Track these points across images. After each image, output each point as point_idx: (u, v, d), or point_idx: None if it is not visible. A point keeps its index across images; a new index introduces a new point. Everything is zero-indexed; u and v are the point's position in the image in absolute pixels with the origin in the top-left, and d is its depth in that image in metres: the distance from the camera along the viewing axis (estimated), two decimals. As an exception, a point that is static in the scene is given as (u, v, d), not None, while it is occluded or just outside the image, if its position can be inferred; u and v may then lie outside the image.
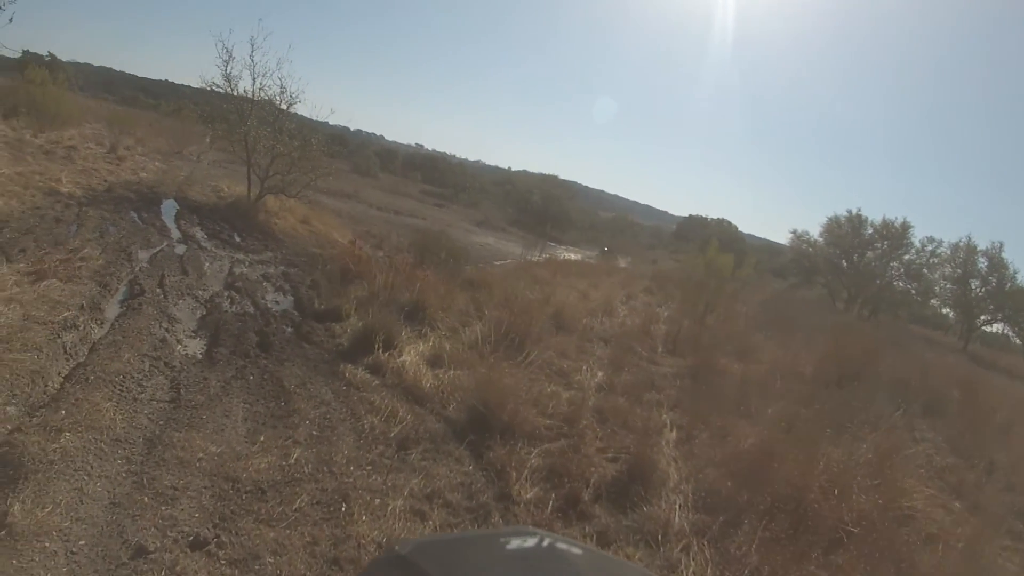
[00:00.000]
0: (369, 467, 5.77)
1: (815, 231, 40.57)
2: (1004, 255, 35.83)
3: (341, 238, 17.26)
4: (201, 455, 5.13)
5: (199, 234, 14.17)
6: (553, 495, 5.94)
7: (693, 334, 13.67)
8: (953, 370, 18.45)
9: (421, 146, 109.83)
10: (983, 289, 36.47)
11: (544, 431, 7.33)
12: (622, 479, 6.45)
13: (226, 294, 10.14)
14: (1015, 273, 36.01)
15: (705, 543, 5.48)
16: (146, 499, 4.47)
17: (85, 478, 4.48)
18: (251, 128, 17.85)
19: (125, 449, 5.00)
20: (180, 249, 12.26)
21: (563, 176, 56.70)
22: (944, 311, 41.93)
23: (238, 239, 14.66)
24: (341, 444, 6.05)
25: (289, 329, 9.23)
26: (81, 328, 7.11)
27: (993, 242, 36.93)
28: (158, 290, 9.14)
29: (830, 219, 39.66)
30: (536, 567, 0.74)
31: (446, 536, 1.01)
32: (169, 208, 16.34)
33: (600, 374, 9.84)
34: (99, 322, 7.56)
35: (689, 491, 6.40)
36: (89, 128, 26.30)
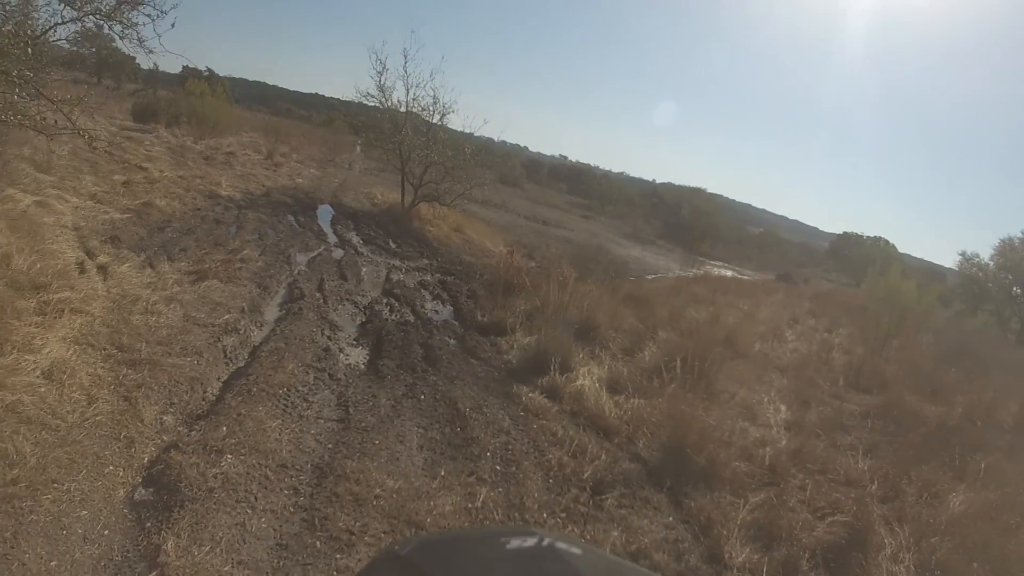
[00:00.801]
0: (563, 514, 4.92)
1: (985, 253, 36.59)
2: None
3: (493, 247, 16.77)
4: (378, 490, 4.34)
5: (355, 239, 13.97)
6: (767, 559, 5.01)
7: (875, 367, 12.24)
8: None
9: (565, 157, 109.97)
10: None
11: (745, 478, 6.30)
12: (837, 543, 5.44)
13: (385, 301, 9.65)
14: None
15: None
16: (318, 543, 3.72)
17: (248, 511, 3.80)
18: (405, 137, 17.82)
19: (293, 478, 4.29)
20: (337, 254, 11.99)
21: (709, 189, 54.83)
22: None
23: (393, 245, 14.36)
24: (530, 484, 5.18)
25: (452, 342, 8.59)
26: (242, 331, 6.66)
27: None
28: (317, 294, 8.72)
29: (1003, 241, 35.25)
30: (536, 567, 0.72)
31: (446, 535, 0.89)
32: (325, 213, 16.36)
33: (784, 408, 8.68)
34: (259, 324, 7.14)
35: (910, 561, 5.32)
36: (246, 136, 27.42)
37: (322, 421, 5.23)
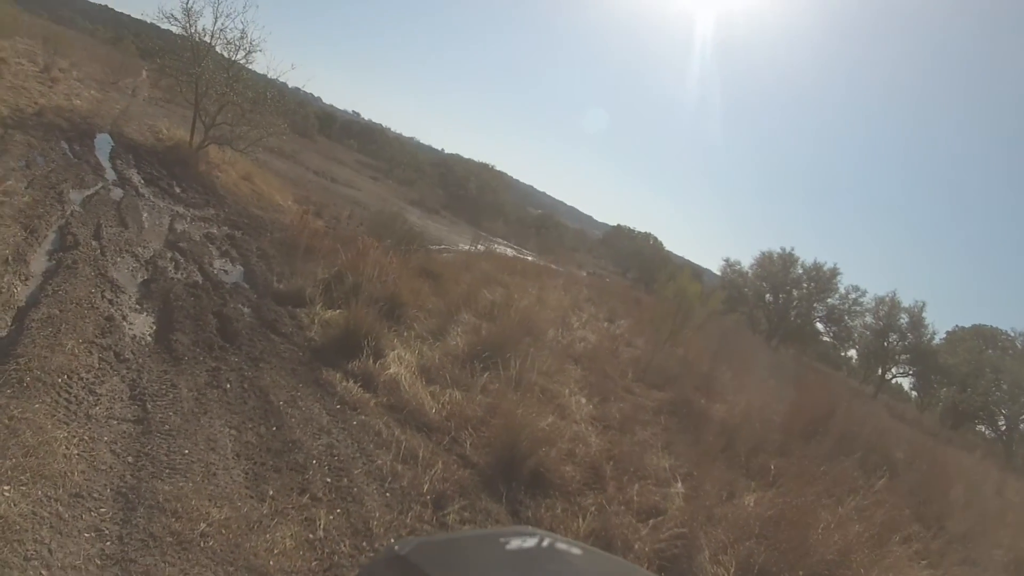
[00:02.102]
0: (411, 536, 4.25)
1: (746, 262, 41.72)
2: (925, 314, 37.77)
3: (283, 201, 15.43)
4: (203, 526, 3.35)
5: (136, 178, 11.99)
6: None
7: (661, 363, 12.82)
8: (884, 423, 18.70)
9: (358, 114, 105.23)
10: (900, 343, 38.13)
11: (571, 482, 6.14)
12: (666, 549, 5.43)
13: (169, 255, 8.27)
14: (933, 333, 38.14)
15: None
16: None
17: (44, 573, 2.71)
18: (205, 70, 15.84)
19: (92, 514, 3.18)
20: (116, 194, 10.13)
21: (497, 167, 55.63)
22: (849, 355, 43.82)
23: (178, 189, 12.55)
24: (368, 502, 4.48)
25: (248, 311, 7.57)
26: (4, 289, 5.18)
27: (917, 301, 39.10)
28: (94, 243, 7.17)
29: (763, 253, 41.00)
30: (536, 567, 0.72)
31: (446, 536, 1.04)
32: (103, 144, 13.96)
33: (585, 401, 8.71)
34: (24, 278, 5.66)
35: (732, 564, 5.48)
36: (21, 44, 22.84)
37: (116, 423, 4.05)
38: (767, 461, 8.61)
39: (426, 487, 4.97)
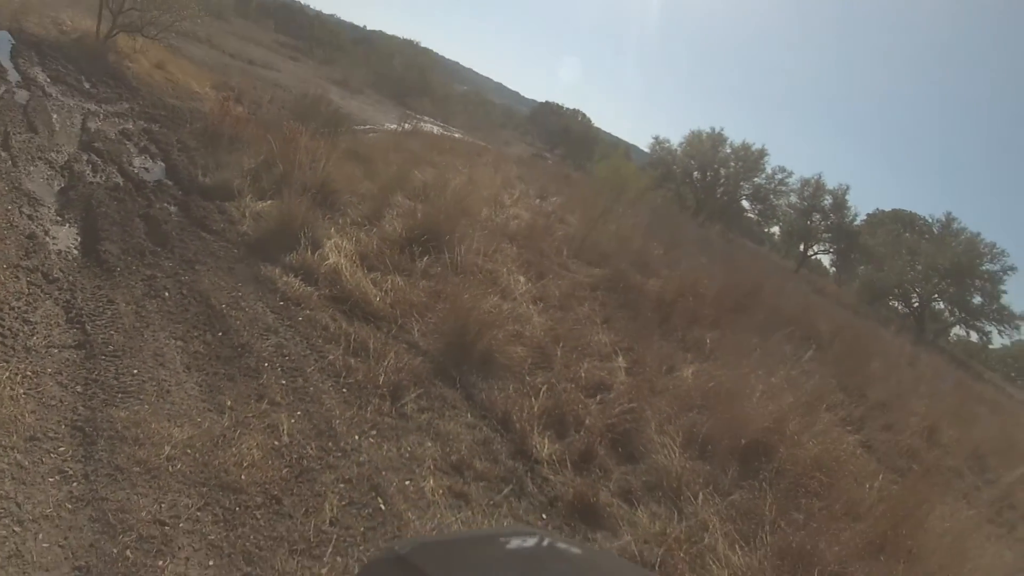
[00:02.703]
0: (374, 432, 4.42)
1: (675, 140, 42.06)
2: (847, 197, 39.54)
3: (200, 88, 14.51)
4: (167, 449, 3.31)
5: (41, 77, 10.98)
6: (567, 448, 5.11)
7: (595, 240, 12.94)
8: (808, 298, 19.71)
9: None
10: (823, 223, 40.01)
11: (519, 361, 6.30)
12: (617, 423, 5.63)
13: (85, 157, 7.76)
14: (855, 215, 40.22)
15: (715, 495, 5.13)
16: (129, 553, 2.72)
17: (16, 530, 2.63)
18: None
19: (52, 455, 3.09)
20: (21, 96, 9.26)
21: (422, 43, 53.18)
22: (771, 232, 45.48)
23: (87, 85, 11.59)
24: (326, 400, 4.54)
25: (175, 210, 7.29)
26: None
27: (841, 184, 40.50)
28: (3, 154, 6.64)
29: (692, 132, 41.27)
30: (536, 567, 0.72)
31: (446, 536, 1.12)
32: (2, 42, 12.62)
33: (523, 280, 8.80)
34: (-71, 200, 5.22)
35: (677, 434, 5.76)
36: None
37: (57, 351, 3.88)
38: (702, 335, 8.98)
39: (381, 379, 5.02)
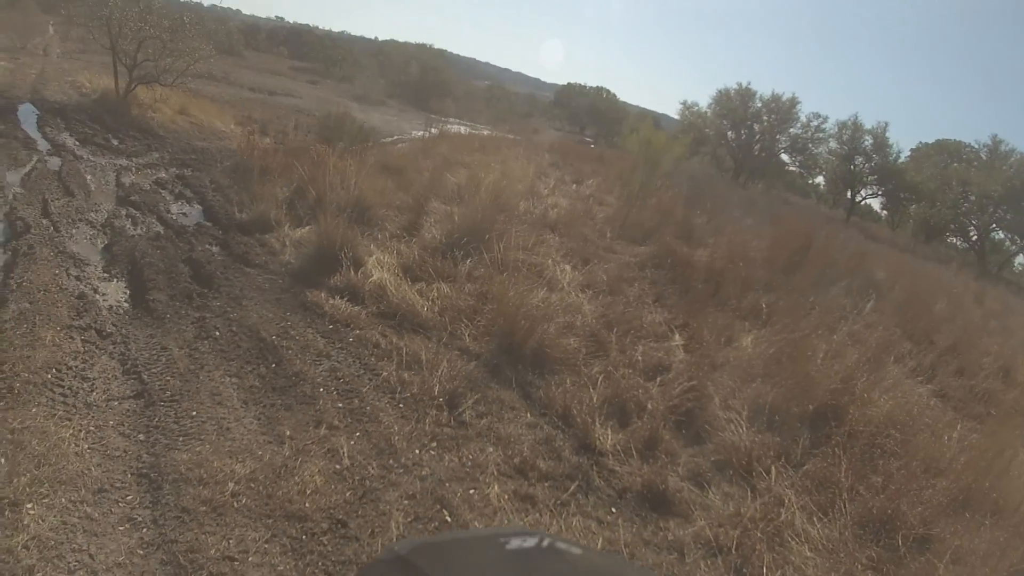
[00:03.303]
0: (434, 444, 4.40)
1: (703, 103, 41.26)
2: (888, 135, 37.92)
3: (225, 127, 14.79)
4: (231, 485, 3.38)
5: (70, 141, 11.22)
6: (632, 437, 5.02)
7: (636, 218, 12.78)
8: (861, 246, 19.00)
9: (282, 18, 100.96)
10: (867, 165, 38.66)
11: (573, 353, 6.22)
12: (679, 405, 5.53)
13: (123, 212, 7.94)
14: (898, 153, 38.68)
15: (788, 467, 5.02)
16: None
17: None
18: (114, 9, 14.56)
19: (121, 504, 3.18)
20: (54, 163, 9.47)
21: (435, 45, 53.64)
22: (816, 183, 44.13)
23: (115, 142, 11.84)
24: (384, 417, 4.54)
25: (217, 249, 7.42)
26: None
27: (879, 122, 40.15)
28: (45, 222, 6.79)
29: (720, 91, 40.47)
30: (536, 567, 0.71)
31: (445, 536, 0.85)
32: (28, 114, 12.88)
33: (569, 269, 8.72)
34: (-17, 281, 5.37)
35: (742, 408, 5.64)
36: None
37: (117, 403, 3.99)
38: (757, 300, 8.75)
39: (436, 389, 5.03)
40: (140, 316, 5.35)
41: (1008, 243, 34.91)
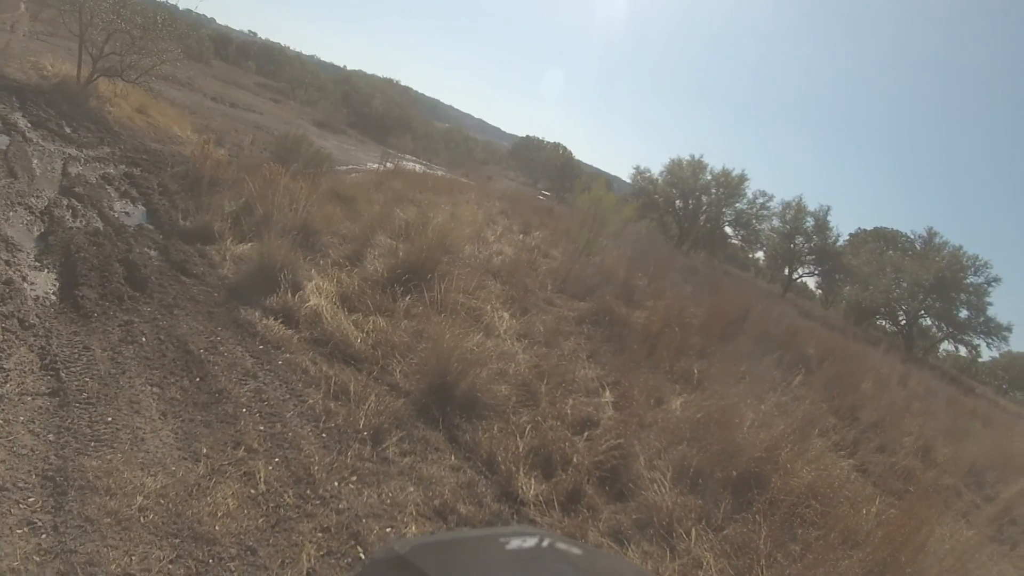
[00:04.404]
0: (354, 478, 4.32)
1: (656, 169, 42.33)
2: (829, 218, 39.63)
3: (181, 132, 14.52)
4: (140, 499, 3.24)
5: (22, 122, 10.91)
6: (555, 488, 5.04)
7: (579, 273, 12.95)
8: (795, 321, 19.54)
9: (255, 34, 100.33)
10: (806, 245, 40.16)
11: (503, 400, 6.21)
12: (604, 461, 5.55)
13: (65, 202, 7.69)
14: (838, 236, 40.35)
15: (708, 530, 5.06)
16: None
17: None
18: None
19: (21, 506, 3.01)
20: (2, 142, 9.20)
21: (402, 82, 53.98)
22: (756, 257, 45.65)
23: (68, 130, 11.52)
24: (305, 445, 4.45)
25: (155, 254, 7.24)
26: None
27: (822, 204, 41.78)
28: (-18, 200, 6.61)
29: (673, 160, 41.46)
30: (536, 567, 0.69)
31: (445, 535, 0.79)
32: None
33: (507, 316, 8.76)
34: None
35: (667, 468, 5.71)
36: None
37: (30, 399, 3.81)
38: (690, 365, 8.87)
39: (362, 422, 4.96)
40: (66, 311, 5.17)
41: (935, 330, 36.31)
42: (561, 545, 0.72)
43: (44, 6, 17.13)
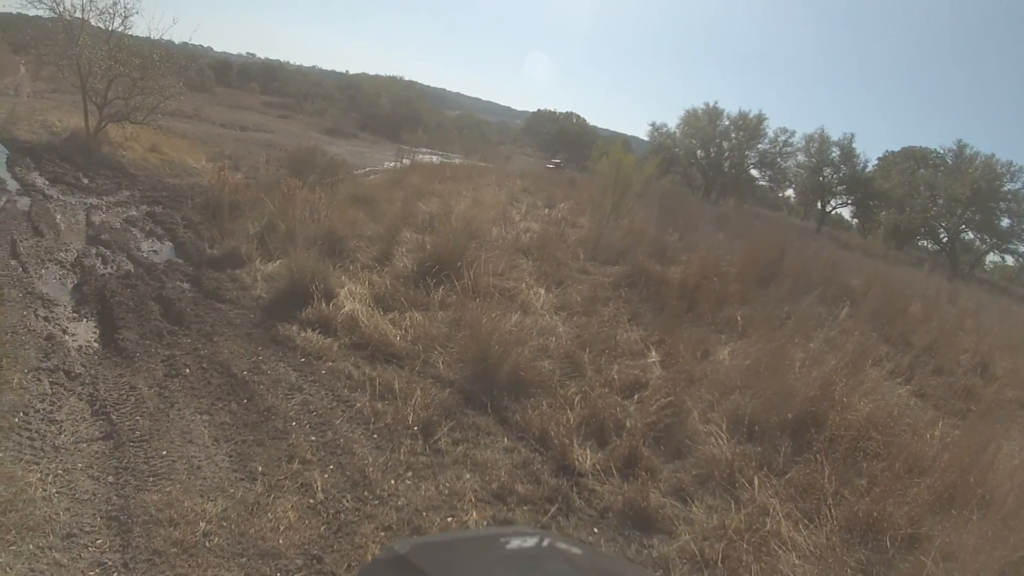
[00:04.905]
0: (409, 473, 4.36)
1: (672, 124, 42.02)
2: (854, 145, 39.09)
3: (196, 163, 14.75)
4: (202, 525, 3.33)
5: (40, 181, 11.17)
6: (611, 457, 4.99)
7: (608, 238, 12.85)
8: (833, 255, 19.14)
9: (253, 55, 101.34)
10: (835, 176, 39.72)
11: (548, 375, 6.21)
12: (657, 421, 5.51)
13: (93, 251, 7.90)
14: (866, 162, 39.74)
15: (771, 476, 4.98)
16: None
17: None
18: (84, 48, 14.54)
19: (90, 549, 3.11)
20: (23, 203, 9.45)
21: (405, 77, 54.18)
22: (786, 195, 44.95)
23: (86, 180, 11.76)
24: (357, 448, 4.51)
25: (188, 286, 7.38)
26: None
27: (845, 133, 40.92)
28: (13, 263, 6.76)
29: (688, 111, 41.31)
30: (536, 567, 0.71)
31: (445, 536, 1.02)
32: None
33: (543, 292, 8.73)
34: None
35: (722, 420, 5.66)
36: None
37: (85, 445, 3.93)
38: (732, 313, 8.80)
39: (411, 418, 5.01)
40: (109, 356, 5.31)
41: (978, 243, 35.82)
42: (561, 545, 0.73)
43: (43, 64, 17.41)
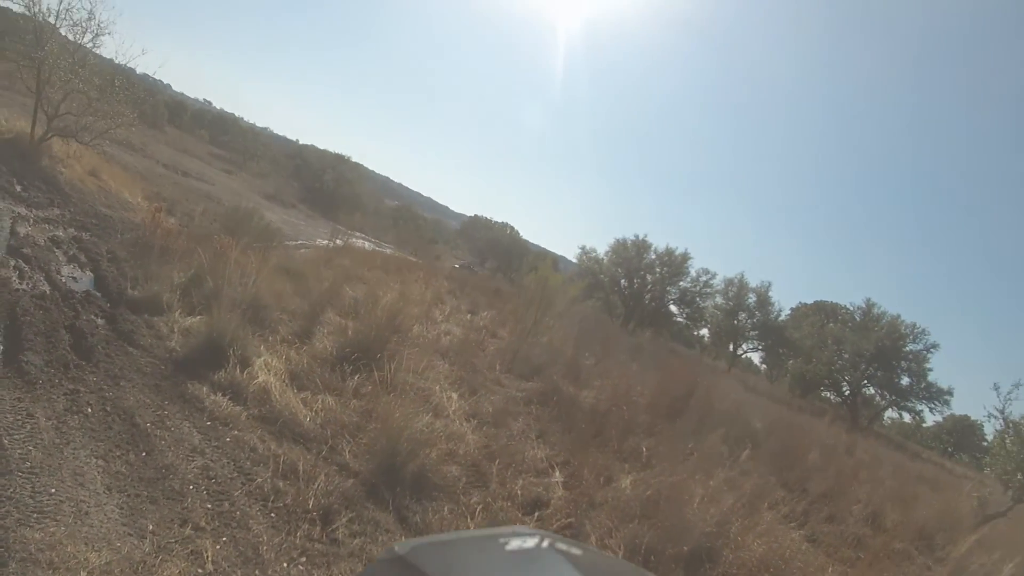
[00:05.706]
0: (303, 559, 4.25)
1: (601, 249, 43.62)
2: (770, 294, 41.74)
3: (132, 198, 14.45)
4: (83, 574, 3.14)
5: None
6: None
7: (527, 353, 13.04)
8: (741, 396, 19.91)
9: (210, 103, 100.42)
10: (749, 321, 42.03)
11: (453, 481, 6.22)
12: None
13: (12, 263, 7.58)
14: (779, 311, 42.35)
15: None
16: None
17: None
18: (48, 54, 14.26)
19: None
20: None
21: (353, 158, 54.86)
22: (701, 334, 46.83)
23: (19, 188, 11.39)
24: (253, 525, 4.35)
25: (102, 322, 7.09)
26: None
27: (763, 281, 43.79)
28: (-79, 261, 6.46)
29: (618, 240, 42.85)
30: (536, 567, 0.71)
31: (445, 536, 0.73)
32: None
33: (456, 397, 8.77)
34: None
35: (619, 547, 5.73)
36: None
37: (-29, 466, 3.72)
38: (638, 443, 8.97)
39: (311, 502, 4.88)
40: (10, 376, 5.04)
41: (878, 398, 37.74)
42: (561, 545, 0.77)
43: (3, 59, 16.98)
